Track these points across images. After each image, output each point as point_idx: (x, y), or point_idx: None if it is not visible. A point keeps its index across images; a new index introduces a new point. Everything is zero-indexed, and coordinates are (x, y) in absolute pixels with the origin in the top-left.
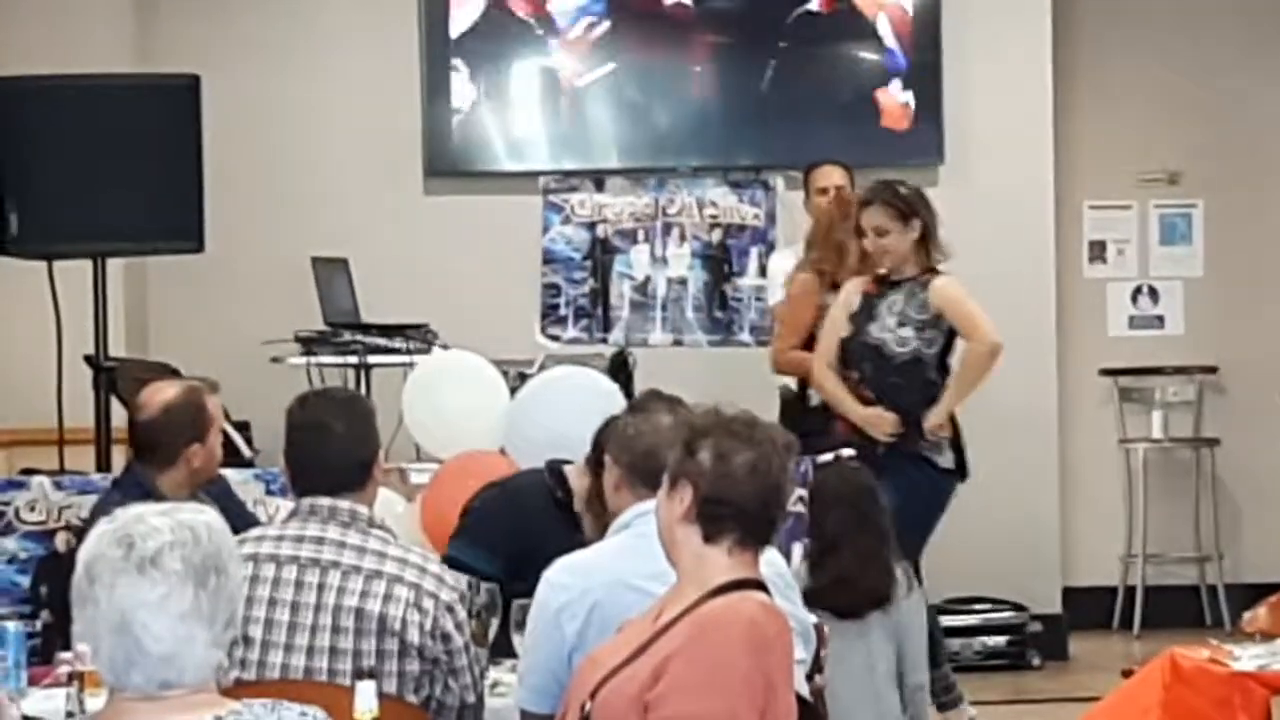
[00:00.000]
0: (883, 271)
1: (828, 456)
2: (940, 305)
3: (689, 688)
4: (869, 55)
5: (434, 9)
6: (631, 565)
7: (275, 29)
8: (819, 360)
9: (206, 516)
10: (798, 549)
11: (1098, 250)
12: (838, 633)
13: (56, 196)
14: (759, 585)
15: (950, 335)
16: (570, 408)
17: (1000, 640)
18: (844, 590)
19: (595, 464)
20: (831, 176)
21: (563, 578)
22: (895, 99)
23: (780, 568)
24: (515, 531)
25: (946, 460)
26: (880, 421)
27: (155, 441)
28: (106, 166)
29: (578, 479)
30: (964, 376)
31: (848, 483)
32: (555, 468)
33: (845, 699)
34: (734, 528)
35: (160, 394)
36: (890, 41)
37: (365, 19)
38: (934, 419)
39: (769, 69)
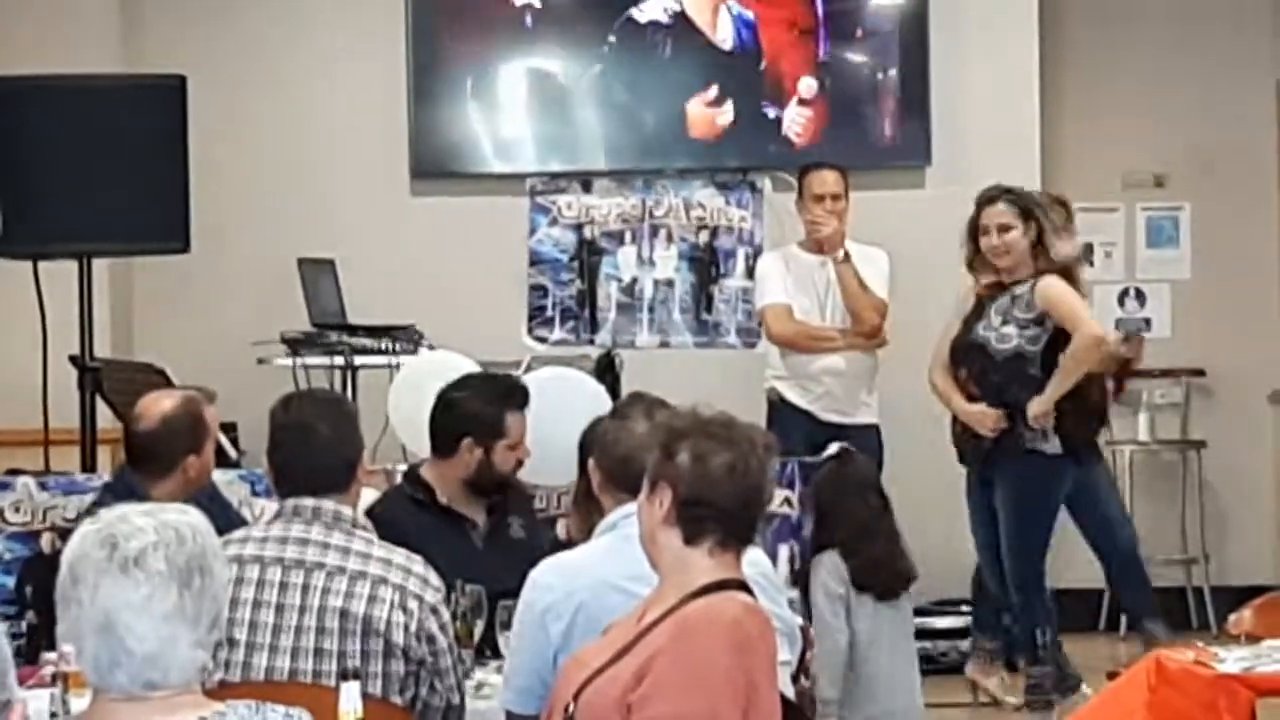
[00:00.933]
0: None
1: (831, 450)
2: (1044, 304)
3: (671, 688)
4: (856, 58)
5: (422, 10)
6: (617, 566)
7: (263, 30)
8: (934, 360)
9: (191, 517)
10: (784, 550)
11: (1085, 253)
12: (880, 615)
13: (43, 196)
14: (741, 585)
15: (1058, 333)
16: (557, 409)
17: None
18: (883, 572)
19: (582, 466)
20: (827, 182)
21: (548, 579)
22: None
23: (765, 568)
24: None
25: (1054, 446)
26: (983, 418)
27: (153, 452)
28: (93, 167)
29: (431, 471)
30: (1067, 367)
31: (866, 471)
32: (411, 472)
33: (891, 678)
34: (714, 529)
35: (159, 404)
36: (879, 45)
37: (353, 20)
38: (1036, 408)
39: (759, 71)
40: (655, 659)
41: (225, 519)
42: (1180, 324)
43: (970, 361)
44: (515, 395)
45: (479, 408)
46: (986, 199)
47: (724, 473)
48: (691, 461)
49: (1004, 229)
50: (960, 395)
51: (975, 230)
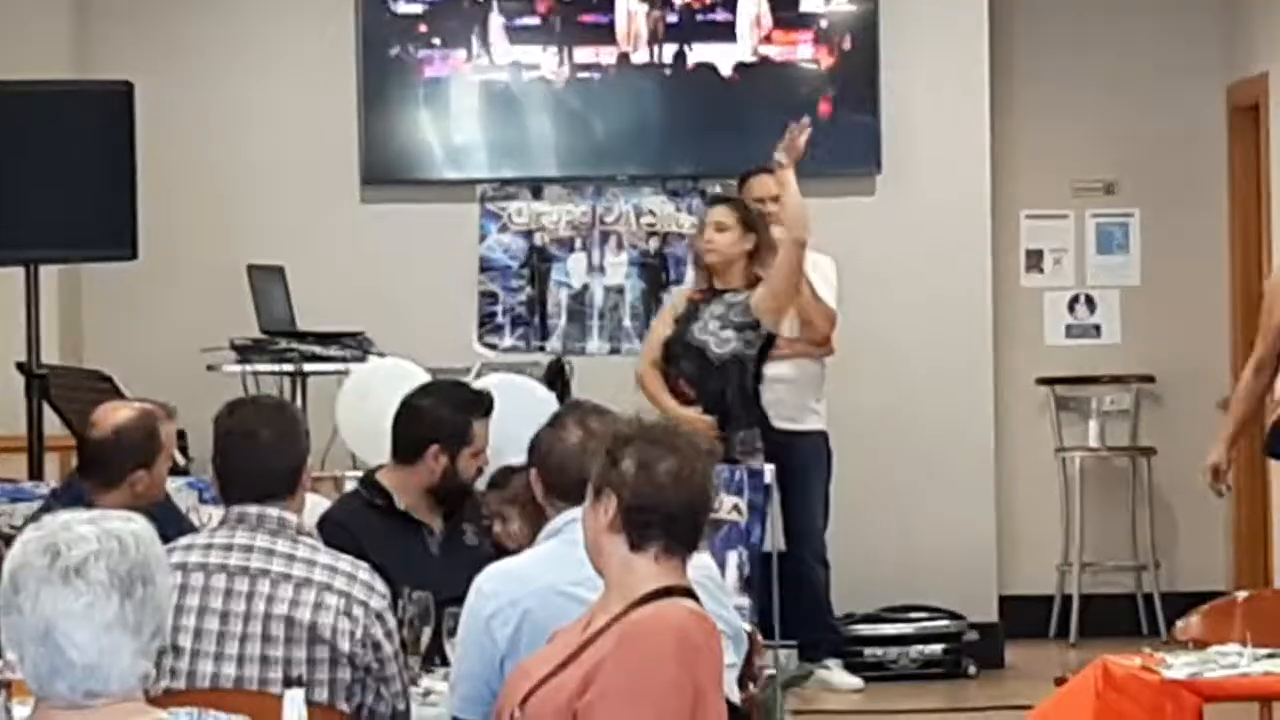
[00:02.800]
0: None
1: None
2: (758, 301)
3: (617, 695)
4: (806, 65)
5: (371, 15)
6: (562, 572)
7: (211, 35)
8: (644, 359)
9: (135, 525)
10: (733, 557)
11: (1034, 259)
12: None
13: None
14: (686, 592)
15: (768, 340)
16: (505, 416)
17: (936, 649)
18: None
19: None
20: (767, 186)
21: (493, 585)
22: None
23: (711, 571)
24: (356, 555)
25: (758, 463)
26: (697, 423)
27: (102, 461)
28: (39, 173)
29: (390, 477)
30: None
31: None
32: (367, 478)
33: None
34: (660, 535)
35: (114, 414)
36: (829, 51)
37: (302, 25)
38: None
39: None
40: (601, 666)
41: (176, 527)
42: (1130, 330)
43: (686, 363)
44: (481, 403)
45: (446, 414)
46: (714, 200)
47: (669, 479)
48: (636, 468)
49: (720, 228)
50: (670, 396)
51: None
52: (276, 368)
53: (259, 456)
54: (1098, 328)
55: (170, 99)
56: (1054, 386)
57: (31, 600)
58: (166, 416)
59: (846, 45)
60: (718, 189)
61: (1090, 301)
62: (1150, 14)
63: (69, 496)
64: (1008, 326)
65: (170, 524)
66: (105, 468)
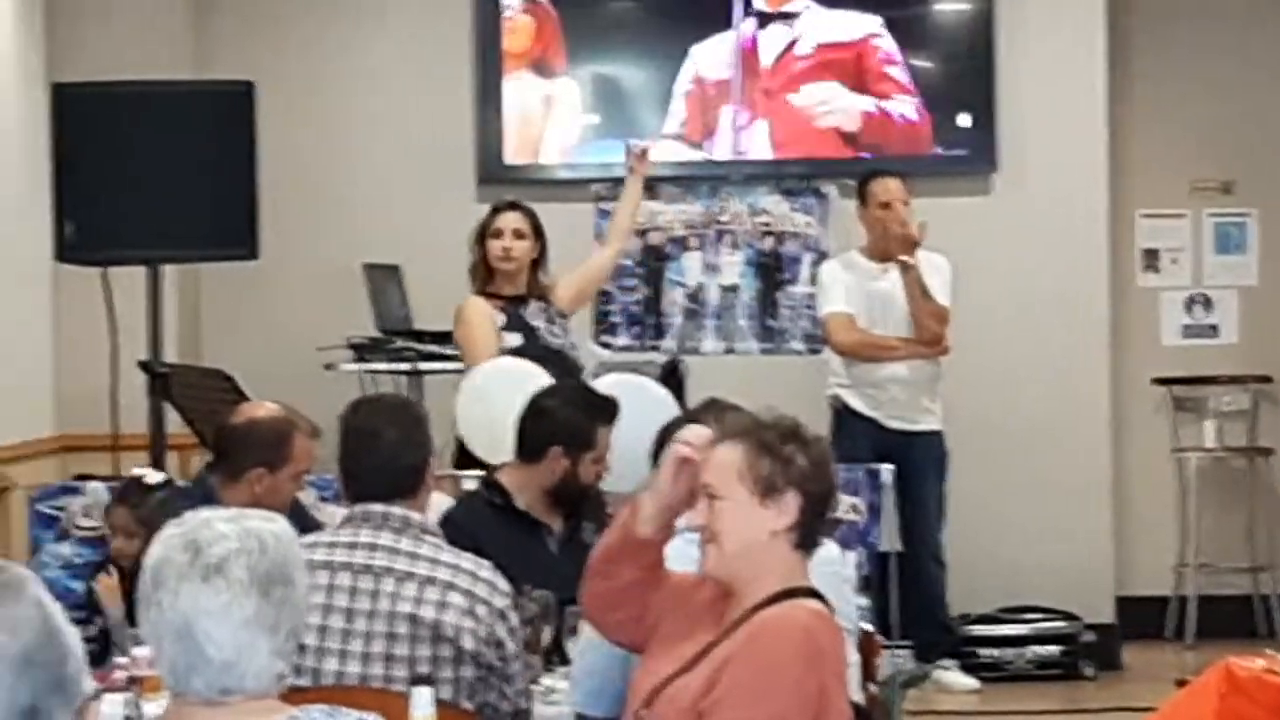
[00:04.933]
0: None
1: None
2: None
3: (742, 694)
4: (922, 65)
5: (486, 15)
6: (685, 568)
7: (329, 35)
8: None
9: (276, 525)
10: (851, 557)
11: (1151, 259)
12: None
13: (112, 203)
14: (811, 593)
15: None
16: (624, 416)
17: (1053, 650)
18: None
19: None
20: (891, 189)
21: None
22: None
23: (838, 565)
24: (477, 554)
25: None
26: None
27: (227, 450)
28: (162, 173)
29: (511, 476)
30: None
31: None
32: (488, 478)
33: None
34: (824, 531)
35: (256, 409)
36: (945, 52)
37: (419, 25)
38: None
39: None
40: (726, 667)
41: (301, 524)
42: (1248, 331)
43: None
44: (607, 409)
45: (571, 418)
46: (506, 205)
47: (834, 475)
48: (811, 465)
49: (519, 234)
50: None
51: (485, 236)
52: (393, 367)
53: (383, 455)
54: (1214, 328)
55: (287, 98)
56: (1170, 387)
57: (171, 596)
58: (307, 432)
59: (962, 45)
60: (832, 188)
61: (1207, 301)
62: (1269, 13)
63: (197, 492)
64: (1124, 327)
65: (295, 521)
66: (228, 458)
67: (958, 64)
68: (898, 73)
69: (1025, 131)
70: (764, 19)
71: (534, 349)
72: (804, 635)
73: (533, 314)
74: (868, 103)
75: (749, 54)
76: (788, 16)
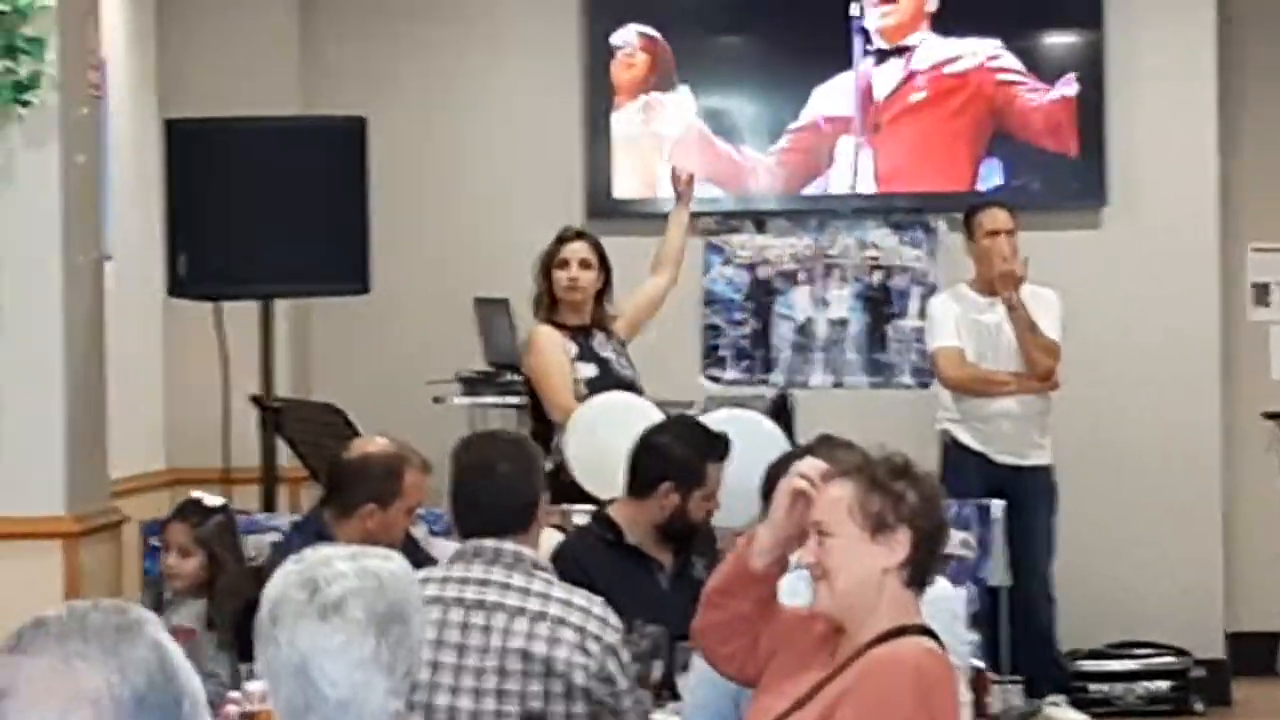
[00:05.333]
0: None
1: None
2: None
3: None
4: (1032, 98)
5: (596, 49)
6: (795, 605)
7: (439, 70)
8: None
9: (393, 564)
10: (961, 592)
11: (1262, 293)
12: None
13: (224, 238)
14: (923, 630)
15: None
16: (735, 451)
17: (1163, 685)
18: None
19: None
20: (998, 219)
21: None
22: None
23: (952, 603)
24: (588, 590)
25: None
26: None
27: (339, 485)
28: (274, 208)
29: (622, 512)
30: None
31: None
32: (599, 513)
33: None
34: (936, 568)
35: (368, 445)
36: (1056, 85)
37: (529, 59)
38: None
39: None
40: (838, 705)
41: (415, 559)
42: None
43: None
44: (718, 446)
45: (682, 454)
46: (573, 235)
47: (945, 510)
48: (921, 500)
49: (585, 265)
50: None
51: (551, 266)
52: (502, 400)
53: (496, 491)
54: None
55: (397, 132)
56: None
57: (289, 634)
58: (419, 467)
59: (1073, 78)
60: (941, 222)
61: None
62: None
63: (309, 528)
64: (1234, 360)
65: (408, 555)
66: (341, 493)
67: (1068, 96)
68: (1029, 101)
69: (1135, 164)
70: (882, 55)
71: (610, 381)
72: (916, 673)
73: (600, 345)
74: (984, 133)
75: (866, 90)
76: (904, 50)
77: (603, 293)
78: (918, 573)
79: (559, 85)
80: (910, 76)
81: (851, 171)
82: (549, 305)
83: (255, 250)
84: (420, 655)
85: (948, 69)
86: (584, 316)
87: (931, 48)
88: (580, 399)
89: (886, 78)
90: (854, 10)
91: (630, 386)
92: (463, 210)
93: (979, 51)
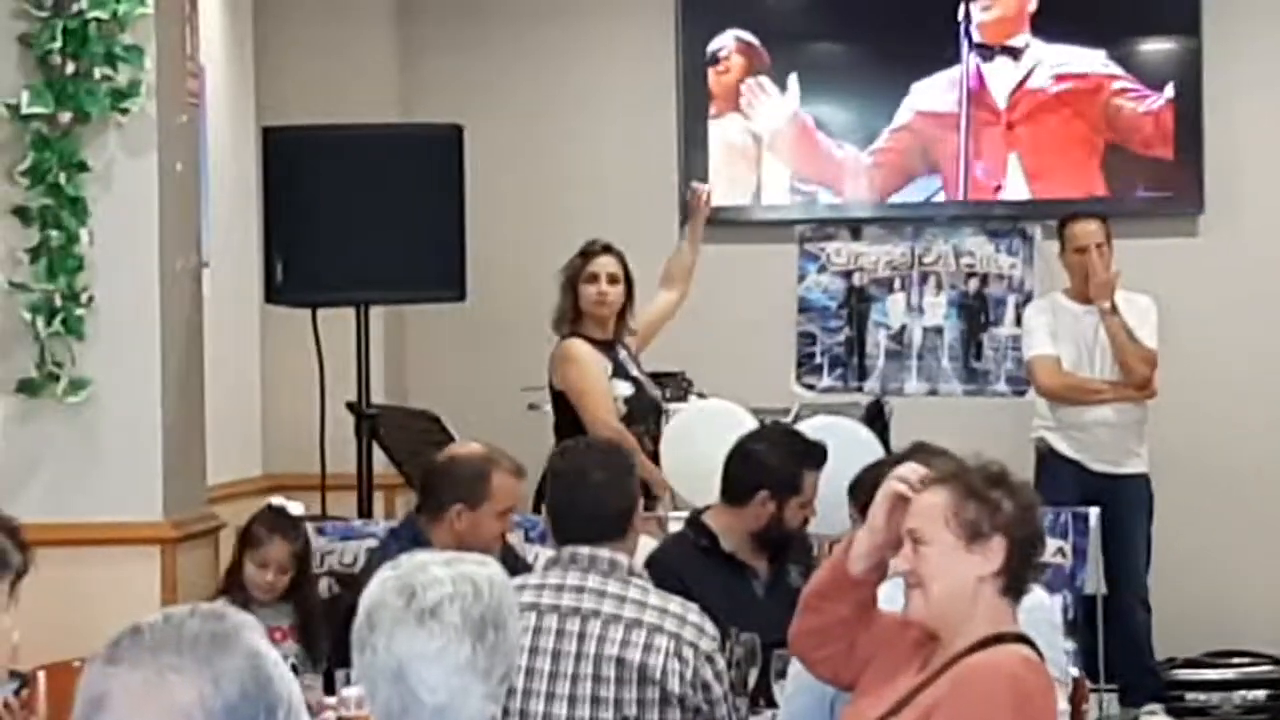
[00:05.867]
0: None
1: None
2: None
3: None
4: (1129, 106)
5: (693, 56)
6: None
7: (536, 78)
8: (611, 419)
9: (489, 570)
10: (1057, 600)
11: None
12: None
13: (321, 245)
14: (1019, 638)
15: None
16: (830, 458)
17: (1260, 695)
18: None
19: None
20: (1089, 232)
21: None
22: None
23: (1049, 613)
24: (683, 597)
25: None
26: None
27: (430, 489)
28: (371, 215)
29: (717, 519)
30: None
31: None
32: (694, 518)
33: None
34: (1032, 577)
35: (460, 448)
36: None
37: (625, 66)
38: None
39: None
40: (934, 711)
41: (513, 566)
42: None
43: (645, 419)
44: (814, 454)
45: (778, 462)
46: (601, 249)
47: (1040, 520)
48: (1018, 509)
49: (613, 279)
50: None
51: (577, 280)
52: None
53: (591, 498)
54: None
55: (492, 140)
56: None
57: (386, 639)
58: (508, 470)
59: (1170, 84)
60: (1037, 230)
61: None
62: None
63: (405, 534)
64: None
65: (505, 563)
66: (431, 496)
67: (1165, 103)
68: (1130, 109)
69: (1233, 172)
70: (986, 55)
71: (646, 401)
72: (1011, 682)
73: (628, 362)
74: (1085, 141)
75: (976, 90)
76: (1010, 52)
77: (625, 308)
78: (1013, 582)
79: (656, 92)
80: (1023, 81)
81: (951, 177)
82: (572, 320)
83: (351, 257)
84: (516, 661)
85: (1059, 77)
86: (608, 332)
87: (1039, 53)
88: (620, 418)
89: (996, 81)
90: (960, 11)
91: (658, 408)
92: (558, 218)
93: (1089, 60)
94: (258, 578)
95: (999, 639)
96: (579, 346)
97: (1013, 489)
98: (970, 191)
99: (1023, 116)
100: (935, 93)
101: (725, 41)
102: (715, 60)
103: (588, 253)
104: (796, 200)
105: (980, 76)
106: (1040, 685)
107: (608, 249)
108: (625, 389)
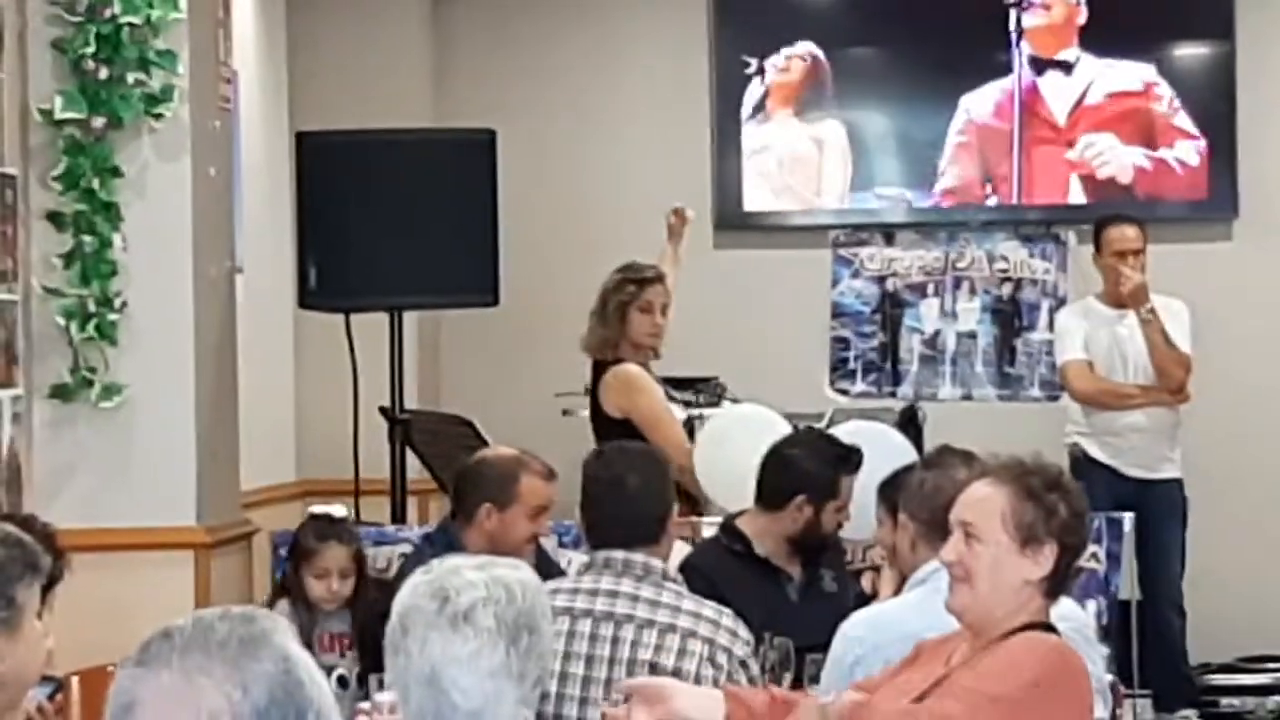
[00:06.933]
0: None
1: None
2: None
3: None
4: (1163, 111)
5: (726, 60)
6: (927, 621)
7: (569, 84)
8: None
9: (522, 573)
10: (1091, 606)
11: None
12: None
13: (355, 250)
14: (1051, 629)
15: None
16: (867, 463)
17: None
18: None
19: (892, 515)
20: (1128, 237)
21: (858, 631)
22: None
23: (1081, 624)
24: (717, 601)
25: None
26: None
27: (461, 491)
28: (404, 220)
29: (751, 523)
30: None
31: None
32: (728, 523)
33: None
34: (1072, 580)
35: (490, 451)
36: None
37: (658, 71)
38: None
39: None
40: (956, 674)
41: (546, 571)
42: None
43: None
44: (851, 459)
45: (815, 467)
46: (656, 278)
47: (1088, 528)
48: (1070, 515)
49: (665, 310)
50: None
51: (629, 307)
52: None
53: (626, 503)
54: None
55: (525, 145)
56: None
57: (419, 643)
58: (538, 473)
59: (1203, 88)
60: (1071, 234)
61: None
62: None
63: (440, 539)
64: None
65: (539, 567)
66: (460, 498)
67: (1200, 109)
68: (1182, 120)
69: (1268, 176)
70: (1039, 65)
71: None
72: (1056, 651)
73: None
74: (1144, 152)
75: (1030, 101)
76: (1064, 65)
77: None
78: (1056, 586)
79: (689, 98)
80: (1081, 99)
81: (1005, 194)
82: (614, 346)
83: (385, 262)
84: (549, 665)
85: (1114, 95)
86: (647, 360)
87: (1091, 68)
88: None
89: (1053, 96)
90: (1011, 22)
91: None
92: (591, 223)
93: (1138, 74)
94: (319, 589)
95: (1048, 627)
96: (644, 375)
97: (1069, 494)
98: (1011, 198)
99: (1081, 134)
100: (986, 104)
101: (762, 47)
102: (781, 67)
103: (643, 280)
104: (832, 206)
105: (1036, 90)
106: (1078, 673)
107: (661, 277)
108: (680, 415)
